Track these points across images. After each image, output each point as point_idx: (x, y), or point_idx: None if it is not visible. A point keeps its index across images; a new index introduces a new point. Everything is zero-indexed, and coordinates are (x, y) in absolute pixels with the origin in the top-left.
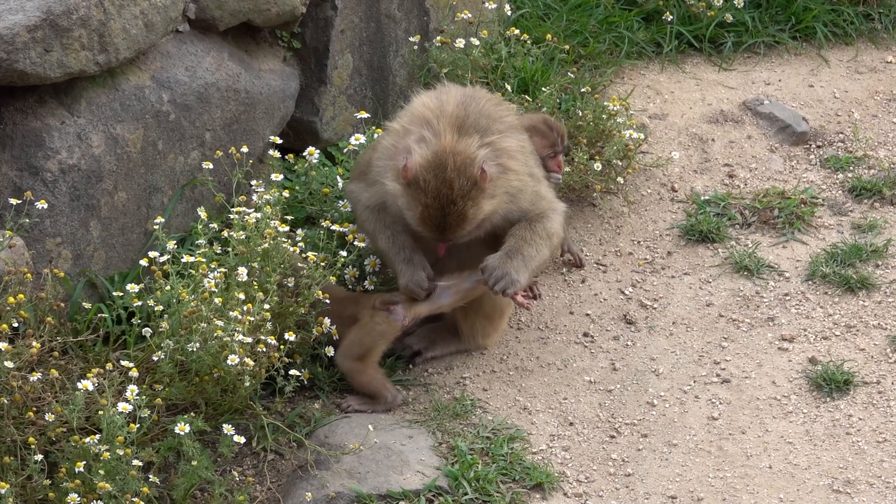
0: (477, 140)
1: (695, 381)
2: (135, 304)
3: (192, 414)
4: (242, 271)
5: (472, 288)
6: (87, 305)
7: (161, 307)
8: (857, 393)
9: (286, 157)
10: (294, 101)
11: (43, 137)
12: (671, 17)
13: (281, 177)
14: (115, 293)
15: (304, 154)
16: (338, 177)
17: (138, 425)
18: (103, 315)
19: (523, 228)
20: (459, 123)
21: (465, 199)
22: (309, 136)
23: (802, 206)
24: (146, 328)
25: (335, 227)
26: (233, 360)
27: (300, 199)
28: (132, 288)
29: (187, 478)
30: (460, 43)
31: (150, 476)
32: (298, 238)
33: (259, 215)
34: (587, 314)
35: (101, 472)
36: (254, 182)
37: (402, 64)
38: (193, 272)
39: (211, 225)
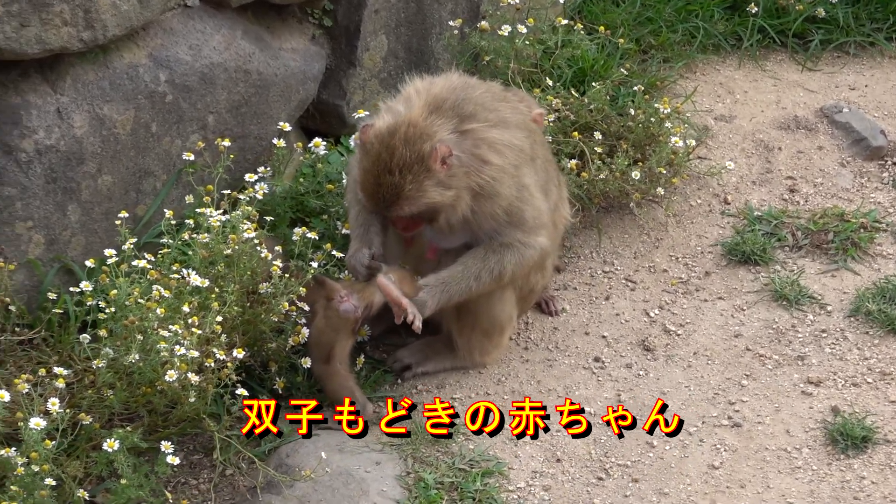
0: (451, 123)
1: (703, 422)
2: (88, 303)
3: (127, 428)
4: (195, 278)
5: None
6: (52, 296)
7: (113, 309)
8: (875, 452)
9: (312, 140)
10: (316, 84)
11: (20, 115)
12: (756, 8)
13: (264, 188)
14: (82, 283)
15: (310, 146)
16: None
17: (58, 440)
18: (56, 310)
19: (476, 258)
20: (438, 104)
21: (405, 173)
22: (335, 121)
23: (862, 230)
24: (83, 335)
25: (312, 236)
26: (171, 375)
27: (304, 192)
28: (86, 286)
29: (116, 496)
30: (504, 31)
31: (79, 492)
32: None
33: (225, 218)
34: (603, 336)
35: (14, 487)
36: (260, 169)
37: (446, 47)
38: (153, 273)
39: (187, 221)
